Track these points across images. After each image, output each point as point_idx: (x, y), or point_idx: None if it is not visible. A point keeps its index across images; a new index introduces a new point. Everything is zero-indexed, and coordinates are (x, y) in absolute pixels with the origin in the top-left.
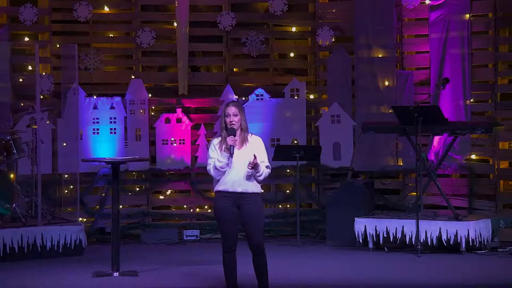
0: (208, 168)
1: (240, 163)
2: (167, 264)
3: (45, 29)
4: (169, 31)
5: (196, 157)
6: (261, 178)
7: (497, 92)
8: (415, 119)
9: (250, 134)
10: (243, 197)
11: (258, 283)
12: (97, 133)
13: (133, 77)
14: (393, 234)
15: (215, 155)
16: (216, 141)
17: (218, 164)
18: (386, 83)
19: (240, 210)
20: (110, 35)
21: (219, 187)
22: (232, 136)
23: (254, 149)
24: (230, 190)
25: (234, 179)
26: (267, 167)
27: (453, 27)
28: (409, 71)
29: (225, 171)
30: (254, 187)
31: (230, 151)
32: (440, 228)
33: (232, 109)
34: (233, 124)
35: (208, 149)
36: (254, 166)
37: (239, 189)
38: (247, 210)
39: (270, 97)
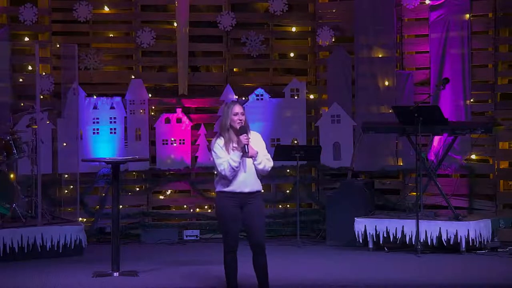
0: (221, 168)
1: (246, 163)
2: (167, 264)
3: (45, 29)
4: (169, 31)
5: (196, 157)
6: (260, 167)
7: (497, 92)
8: (415, 119)
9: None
10: (248, 196)
11: (258, 282)
12: (97, 133)
13: (133, 77)
14: (393, 234)
15: (224, 155)
16: (220, 142)
17: (233, 164)
18: (386, 83)
19: (242, 209)
20: (110, 35)
21: (225, 188)
22: (245, 135)
23: (254, 145)
24: (237, 190)
25: (241, 179)
26: (268, 159)
27: (453, 27)
28: (409, 71)
29: (238, 171)
30: (258, 186)
31: (244, 149)
32: (440, 228)
33: (240, 108)
34: (241, 122)
35: (212, 150)
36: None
37: (246, 190)
38: (250, 209)
39: (270, 97)
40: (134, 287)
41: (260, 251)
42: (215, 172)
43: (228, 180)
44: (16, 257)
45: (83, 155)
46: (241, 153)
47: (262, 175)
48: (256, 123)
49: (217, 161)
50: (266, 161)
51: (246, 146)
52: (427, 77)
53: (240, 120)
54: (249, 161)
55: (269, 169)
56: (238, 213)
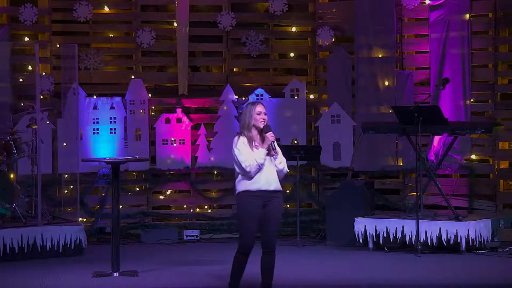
0: (246, 165)
1: (271, 161)
2: (167, 264)
3: (45, 29)
4: (169, 31)
5: (196, 157)
6: (280, 167)
7: (497, 92)
8: (415, 119)
9: None
10: (272, 195)
11: (263, 280)
12: (97, 133)
13: (133, 77)
14: (393, 234)
15: (249, 152)
16: (244, 140)
17: (260, 161)
18: (386, 83)
19: (264, 208)
20: (110, 35)
21: (251, 186)
22: (271, 132)
23: None
24: (263, 188)
25: (265, 178)
26: (285, 161)
27: (453, 27)
28: (409, 71)
29: (262, 168)
30: (279, 185)
31: (271, 146)
32: (440, 228)
33: (263, 108)
34: (264, 121)
35: (235, 148)
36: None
37: (271, 188)
38: (269, 209)
39: (270, 97)
40: (134, 287)
41: (272, 250)
42: (237, 171)
43: (251, 179)
44: (16, 257)
45: (83, 155)
46: (267, 151)
47: (279, 178)
48: None
49: (241, 158)
50: (284, 163)
51: (272, 143)
52: (427, 77)
53: (263, 119)
54: (271, 160)
55: (286, 172)
56: (261, 213)
